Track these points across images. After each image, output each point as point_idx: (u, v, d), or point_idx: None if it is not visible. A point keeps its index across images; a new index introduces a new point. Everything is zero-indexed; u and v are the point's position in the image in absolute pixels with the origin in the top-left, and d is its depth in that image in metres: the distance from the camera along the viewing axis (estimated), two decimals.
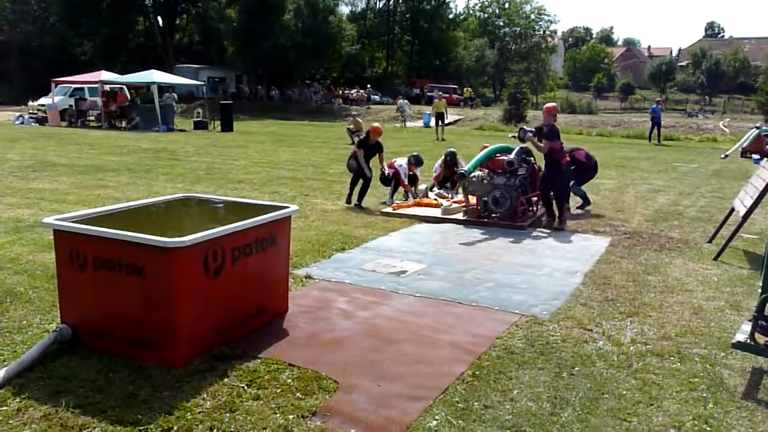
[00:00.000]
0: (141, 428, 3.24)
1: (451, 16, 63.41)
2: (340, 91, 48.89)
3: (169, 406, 3.46)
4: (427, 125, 35.18)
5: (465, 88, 49.15)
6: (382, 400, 3.65)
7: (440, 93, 30.79)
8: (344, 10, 59.49)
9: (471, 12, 71.44)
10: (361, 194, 9.71)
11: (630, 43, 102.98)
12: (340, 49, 49.18)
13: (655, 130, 26.66)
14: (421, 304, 5.39)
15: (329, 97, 47.91)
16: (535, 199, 9.22)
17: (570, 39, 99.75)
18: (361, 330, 4.72)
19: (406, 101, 34.88)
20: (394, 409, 3.55)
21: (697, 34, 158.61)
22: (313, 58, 46.33)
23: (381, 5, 62.77)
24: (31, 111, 29.85)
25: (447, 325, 4.89)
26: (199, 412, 3.41)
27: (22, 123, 27.94)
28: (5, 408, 3.42)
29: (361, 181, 9.75)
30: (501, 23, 69.84)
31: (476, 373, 4.05)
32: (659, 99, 34.71)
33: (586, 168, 10.00)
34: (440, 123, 26.41)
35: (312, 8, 45.39)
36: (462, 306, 5.35)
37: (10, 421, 3.29)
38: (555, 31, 75.14)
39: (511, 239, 7.91)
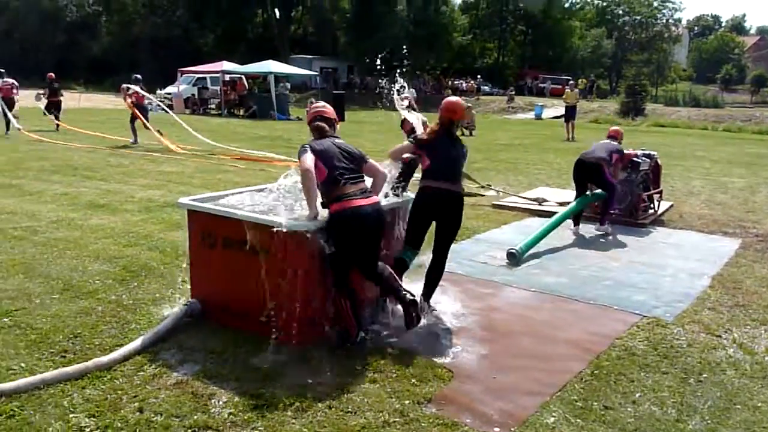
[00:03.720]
0: (264, 402, 3.38)
1: (566, 5, 61.34)
2: (450, 82, 48.60)
3: (290, 382, 3.59)
4: (538, 117, 34.37)
5: (579, 80, 47.45)
6: (498, 392, 3.61)
7: (572, 83, 24.59)
8: (456, 0, 59.05)
9: (588, 1, 68.74)
10: None
11: (764, 32, 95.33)
12: (452, 40, 48.89)
13: None
14: (536, 298, 5.28)
15: (438, 87, 47.77)
16: (657, 196, 8.76)
17: (696, 28, 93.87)
18: (476, 321, 4.68)
19: (411, 90, 28.63)
20: (511, 402, 3.50)
21: None
22: (424, 48, 46.31)
23: None
24: (159, 99, 31.82)
25: (564, 322, 4.76)
26: (319, 391, 3.51)
27: (152, 110, 29.77)
28: (143, 373, 3.67)
29: None
30: (620, 12, 66.68)
31: (595, 372, 3.92)
32: None
33: None
34: (571, 118, 21.63)
35: None
36: (579, 303, 5.19)
37: (147, 386, 3.53)
38: (679, 20, 70.89)
39: (631, 236, 7.57)
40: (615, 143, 7.95)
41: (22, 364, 3.73)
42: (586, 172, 7.70)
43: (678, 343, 4.44)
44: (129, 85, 15.82)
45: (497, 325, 4.64)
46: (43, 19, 55.42)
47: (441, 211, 4.66)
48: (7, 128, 16.25)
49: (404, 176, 5.09)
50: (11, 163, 11.53)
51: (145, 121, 15.39)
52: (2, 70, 17.56)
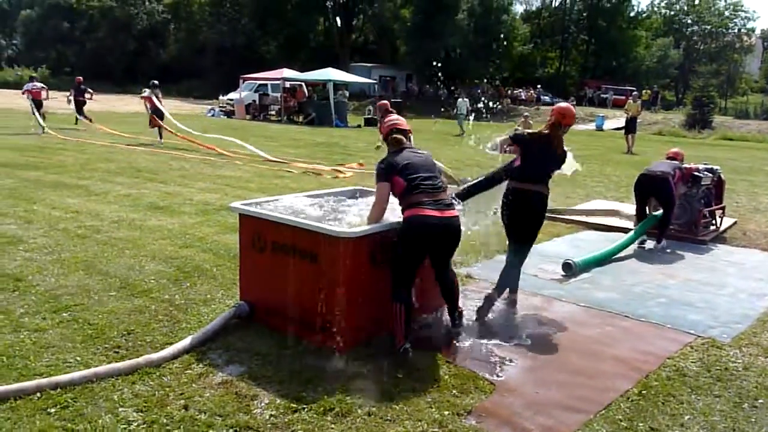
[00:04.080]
0: (304, 405, 3.43)
1: (632, 14, 59.80)
2: (509, 91, 48.15)
3: (331, 387, 3.63)
4: (599, 128, 33.67)
5: (644, 90, 46.21)
6: (540, 407, 3.56)
7: (635, 94, 22.75)
8: (518, 9, 58.57)
9: (655, 9, 66.94)
10: None
11: None
12: (512, 49, 48.42)
13: None
14: (585, 314, 5.17)
15: (497, 96, 47.38)
16: (719, 212, 8.46)
17: None
18: (522, 335, 4.61)
19: (465, 100, 27.62)
20: (552, 419, 3.44)
21: None
22: (484, 57, 46.05)
23: (557, 4, 60.97)
24: (221, 105, 32.78)
25: (612, 339, 4.64)
26: (359, 397, 3.54)
27: (212, 115, 30.72)
28: (190, 371, 3.78)
29: None
30: (689, 21, 64.70)
31: (643, 392, 3.81)
32: None
33: None
34: (631, 130, 20.89)
35: (485, 8, 45.17)
36: (630, 320, 5.05)
37: (194, 385, 3.63)
38: (752, 29, 68.13)
39: (690, 253, 7.33)
40: (676, 162, 7.78)
41: (78, 358, 3.90)
42: (650, 187, 7.55)
43: (733, 366, 4.27)
44: (146, 90, 17.80)
45: (543, 339, 4.57)
46: (116, 27, 57.81)
47: (521, 212, 4.90)
48: (42, 129, 17.64)
49: (482, 184, 5.22)
50: (78, 164, 12.06)
51: (160, 123, 16.95)
52: (34, 75, 20.69)
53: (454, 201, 4.34)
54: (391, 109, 4.92)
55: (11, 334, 4.18)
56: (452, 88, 45.87)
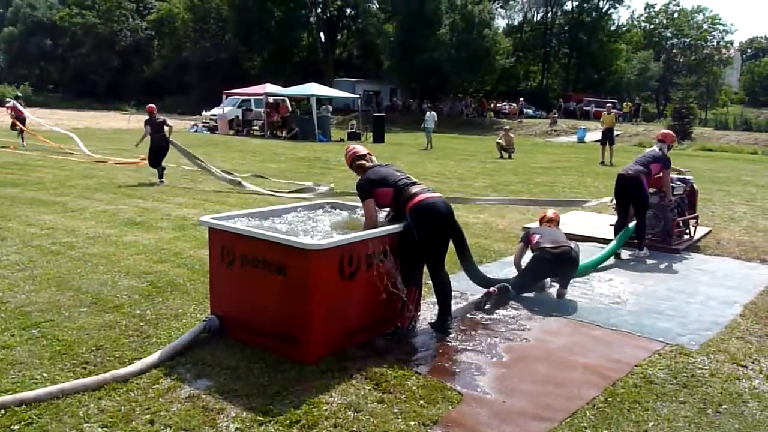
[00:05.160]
0: (271, 418, 3.43)
1: (613, 28, 60.68)
2: (492, 105, 48.52)
3: (299, 400, 3.63)
4: (581, 140, 33.98)
5: (625, 103, 46.76)
6: (506, 416, 3.58)
7: (609, 106, 23.88)
8: (500, 23, 59.14)
9: (635, 23, 67.94)
10: None
11: None
12: (495, 63, 48.87)
13: None
14: (556, 323, 5.21)
15: (481, 110, 47.75)
16: (693, 221, 8.57)
17: (749, 50, 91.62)
18: (491, 344, 4.64)
19: (432, 113, 27.31)
20: (518, 427, 3.46)
21: None
22: (467, 71, 46.44)
23: (538, 18, 61.66)
24: (204, 120, 32.74)
25: (582, 347, 4.68)
26: (325, 409, 3.54)
27: (195, 131, 30.66)
28: (157, 386, 3.77)
29: None
30: (668, 34, 65.70)
31: (609, 399, 3.85)
32: None
33: None
34: (609, 142, 21.07)
35: (467, 22, 45.53)
36: (601, 329, 5.10)
37: (160, 399, 3.62)
38: (731, 42, 69.33)
39: (663, 262, 7.41)
40: (657, 151, 7.77)
41: (45, 374, 3.87)
42: (625, 187, 7.55)
43: (700, 373, 4.32)
44: (10, 100, 21.05)
45: (512, 348, 4.60)
46: (99, 44, 57.76)
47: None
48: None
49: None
50: (57, 180, 12.00)
51: (23, 127, 19.53)
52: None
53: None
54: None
55: None
56: (435, 102, 46.18)
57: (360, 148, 5.10)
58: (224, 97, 32.17)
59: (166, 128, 12.52)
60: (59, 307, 4.99)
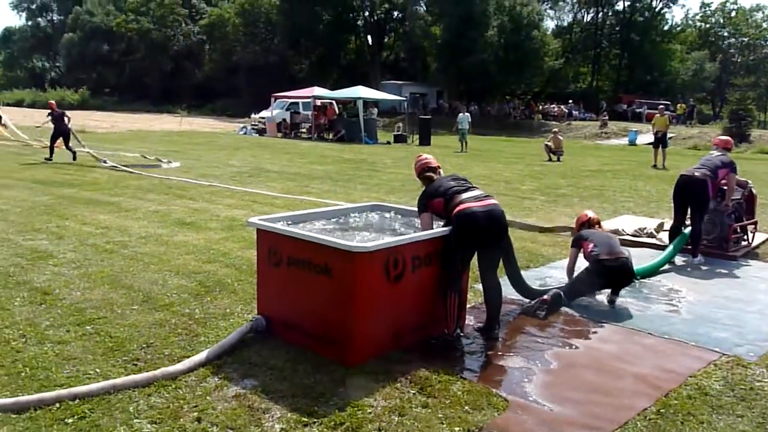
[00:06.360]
0: (315, 419, 3.44)
1: (666, 28, 59.14)
2: (540, 107, 47.89)
3: (343, 402, 3.63)
4: (632, 143, 33.23)
5: (678, 105, 45.50)
6: (553, 425, 3.50)
7: (661, 107, 22.79)
8: (549, 24, 58.36)
9: (690, 23, 66.10)
10: None
11: None
12: (543, 65, 48.24)
13: None
14: (606, 330, 5.08)
15: (529, 112, 47.17)
16: (751, 227, 8.26)
17: None
18: (539, 351, 4.56)
19: (466, 114, 26.79)
20: None
21: None
22: (514, 73, 45.96)
23: (588, 18, 60.56)
24: (252, 123, 33.26)
25: (633, 356, 4.55)
26: (369, 412, 3.53)
27: (245, 133, 31.19)
28: (205, 384, 3.83)
29: None
30: (725, 33, 63.68)
31: (661, 411, 3.72)
32: None
33: None
34: (661, 145, 20.19)
35: (516, 24, 45.12)
36: (652, 337, 4.95)
37: (208, 397, 3.67)
38: None
39: (720, 269, 7.16)
40: (722, 156, 7.53)
41: (98, 370, 3.98)
42: (687, 190, 7.32)
43: (759, 385, 4.15)
44: None
45: (560, 355, 4.51)
46: (153, 49, 59.38)
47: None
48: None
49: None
50: (111, 181, 12.36)
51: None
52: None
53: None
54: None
55: (35, 346, 4.29)
56: (482, 104, 45.79)
57: (432, 160, 5.06)
58: (273, 100, 32.60)
59: (65, 119, 16.18)
60: (112, 305, 5.12)
